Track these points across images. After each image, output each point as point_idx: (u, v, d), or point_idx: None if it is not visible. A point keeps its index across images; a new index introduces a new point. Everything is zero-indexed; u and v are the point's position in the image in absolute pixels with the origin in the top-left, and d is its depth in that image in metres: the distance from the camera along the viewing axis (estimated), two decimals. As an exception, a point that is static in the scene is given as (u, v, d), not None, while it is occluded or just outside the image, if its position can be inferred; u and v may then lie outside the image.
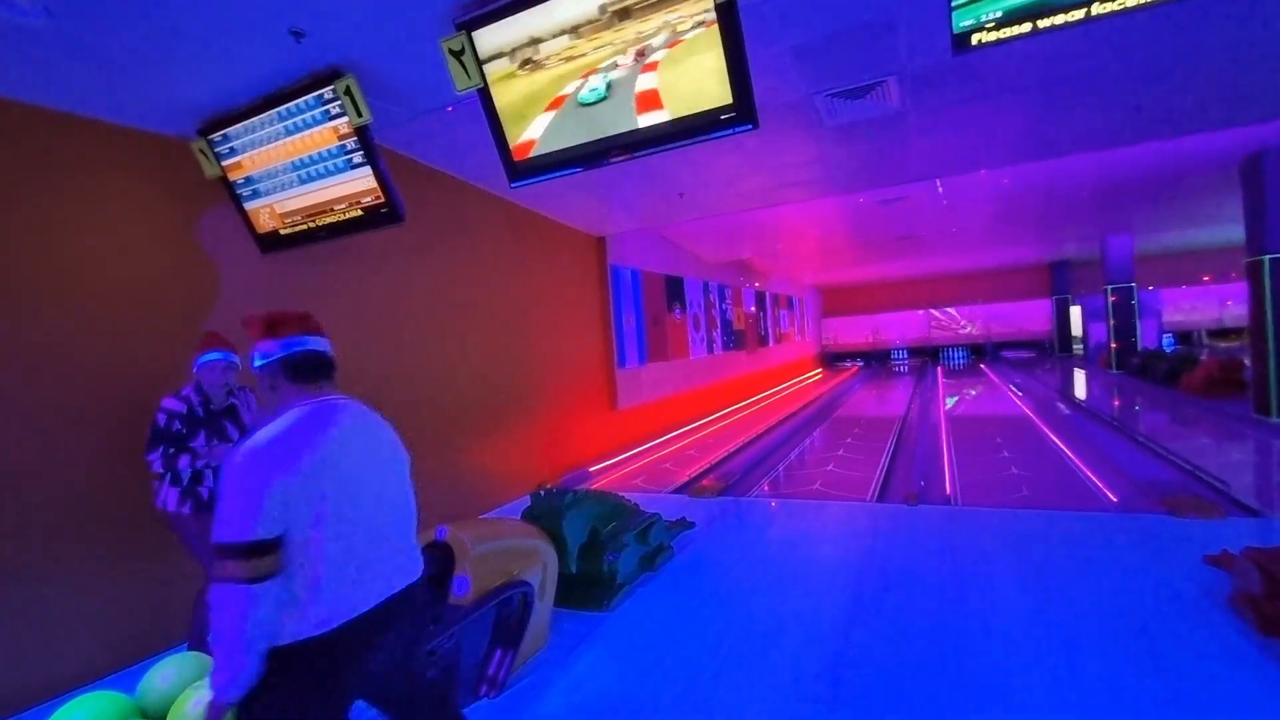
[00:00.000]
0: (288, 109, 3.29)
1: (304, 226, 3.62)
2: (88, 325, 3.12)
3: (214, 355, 2.96)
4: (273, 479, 1.37)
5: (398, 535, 1.63)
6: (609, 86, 2.76)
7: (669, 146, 2.80)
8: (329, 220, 3.54)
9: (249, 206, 3.69)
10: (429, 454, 5.06)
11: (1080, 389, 12.56)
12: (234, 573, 1.32)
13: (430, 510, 4.53)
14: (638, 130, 2.79)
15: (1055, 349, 20.17)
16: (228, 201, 3.71)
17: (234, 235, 3.76)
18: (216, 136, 3.52)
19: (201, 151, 3.58)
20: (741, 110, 2.60)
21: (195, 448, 2.87)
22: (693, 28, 2.53)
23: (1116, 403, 10.33)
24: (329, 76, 3.15)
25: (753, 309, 14.63)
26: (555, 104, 2.90)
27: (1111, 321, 13.69)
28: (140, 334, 3.32)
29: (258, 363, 1.60)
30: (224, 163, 3.59)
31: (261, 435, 1.45)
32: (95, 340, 3.14)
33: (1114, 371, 13.46)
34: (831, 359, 23.28)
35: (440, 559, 2.60)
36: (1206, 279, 18.45)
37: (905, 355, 22.76)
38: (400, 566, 1.62)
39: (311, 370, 1.62)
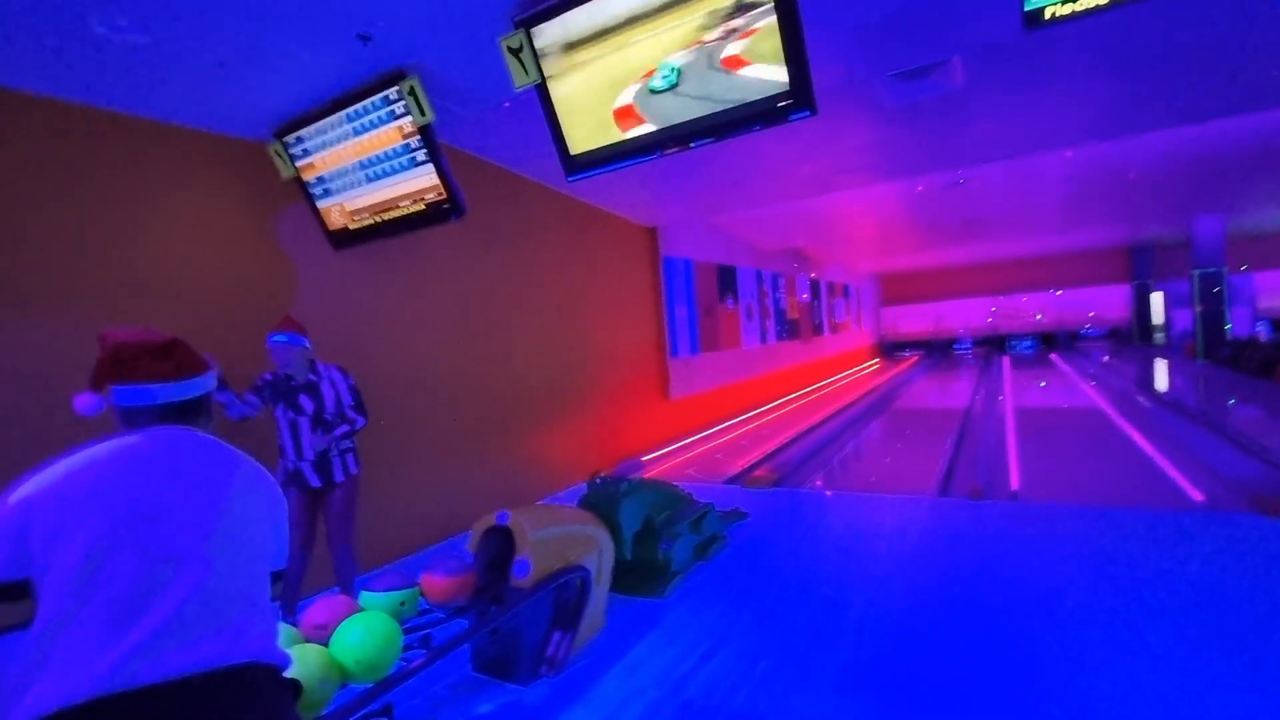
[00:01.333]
0: (355, 110, 3.44)
1: (371, 222, 3.78)
2: (179, 323, 3.36)
3: (277, 338, 3.18)
4: (13, 505, 1.11)
5: (188, 604, 1.10)
6: (678, 73, 2.74)
7: (722, 138, 2.78)
8: (395, 216, 3.68)
9: (321, 205, 3.88)
10: (489, 442, 5.23)
11: (1162, 380, 11.80)
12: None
13: (490, 496, 4.71)
14: (690, 121, 2.79)
15: (1135, 337, 18.98)
16: (302, 201, 3.90)
17: (308, 233, 3.96)
18: (291, 139, 3.71)
19: (277, 153, 3.78)
20: (799, 97, 2.56)
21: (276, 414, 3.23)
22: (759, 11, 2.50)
23: (1203, 395, 9.66)
24: (394, 78, 3.28)
25: (807, 298, 14.35)
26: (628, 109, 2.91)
27: (1199, 308, 12.77)
28: (225, 329, 3.55)
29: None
30: (298, 164, 3.78)
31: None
32: (187, 338, 3.38)
33: (1201, 361, 12.58)
34: (890, 348, 22.58)
35: (501, 543, 2.70)
36: None
37: (969, 344, 21.86)
38: (180, 649, 1.06)
39: (137, 418, 1.33)
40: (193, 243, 3.48)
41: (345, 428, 3.26)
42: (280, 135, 3.72)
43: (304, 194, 3.88)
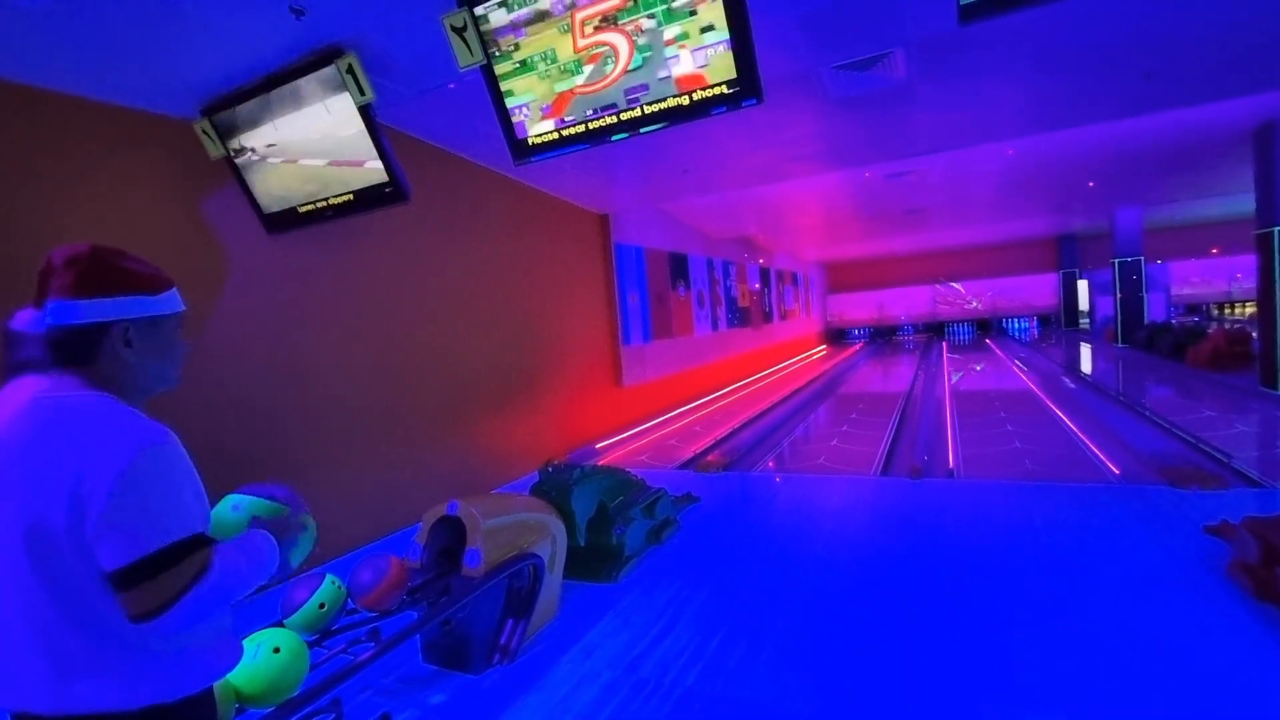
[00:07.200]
0: (290, 88, 3.28)
1: (309, 206, 3.62)
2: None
3: None
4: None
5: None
6: (624, 57, 2.71)
7: (673, 124, 2.78)
8: (333, 199, 3.54)
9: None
10: (439, 432, 5.13)
11: (1086, 363, 12.53)
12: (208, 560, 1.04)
13: (442, 487, 4.64)
14: (640, 108, 2.78)
15: (1063, 323, 20.06)
16: (233, 182, 3.71)
17: (240, 216, 3.77)
18: (220, 117, 3.51)
19: (205, 132, 3.58)
20: (746, 85, 2.58)
21: None
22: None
23: (1122, 376, 10.31)
24: (331, 54, 3.14)
25: (757, 285, 14.57)
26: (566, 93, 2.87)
27: (1118, 295, 13.59)
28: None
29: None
30: (228, 143, 3.59)
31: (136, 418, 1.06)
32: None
33: (1120, 345, 13.41)
34: (836, 335, 23.21)
35: (452, 533, 2.67)
36: (1215, 251, 18.16)
37: (910, 331, 22.69)
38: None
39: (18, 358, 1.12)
40: (111, 227, 3.26)
41: None
42: (208, 113, 3.52)
43: (235, 175, 3.69)
